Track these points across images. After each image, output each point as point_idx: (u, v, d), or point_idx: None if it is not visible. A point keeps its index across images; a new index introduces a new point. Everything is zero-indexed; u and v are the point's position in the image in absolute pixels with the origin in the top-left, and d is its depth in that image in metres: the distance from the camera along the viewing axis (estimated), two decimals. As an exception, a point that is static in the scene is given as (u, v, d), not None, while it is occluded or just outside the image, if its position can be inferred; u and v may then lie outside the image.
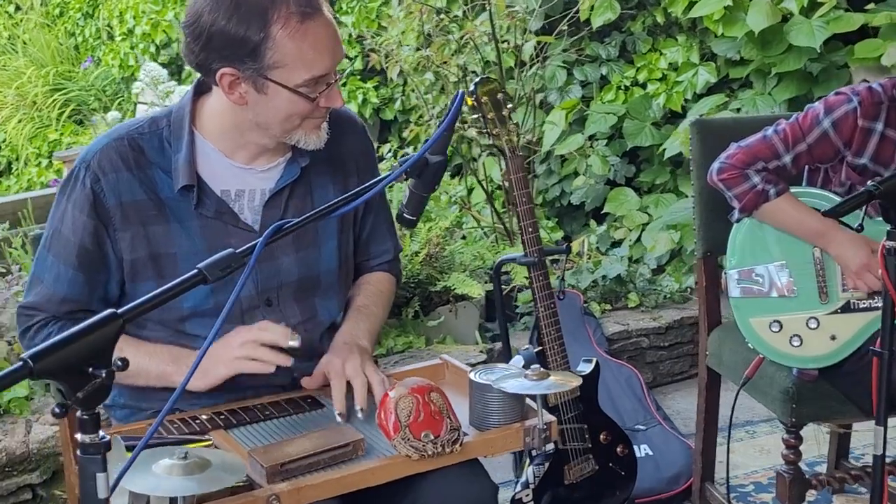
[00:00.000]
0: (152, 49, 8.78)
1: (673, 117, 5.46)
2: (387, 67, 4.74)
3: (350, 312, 2.27)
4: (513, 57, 5.03)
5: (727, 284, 2.70)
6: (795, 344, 2.61)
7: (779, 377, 2.70)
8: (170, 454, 1.58)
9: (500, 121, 2.82)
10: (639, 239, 5.07)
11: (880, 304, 2.57)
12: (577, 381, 1.99)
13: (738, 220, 2.67)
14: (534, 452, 2.78)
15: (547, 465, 2.83)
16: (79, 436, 1.31)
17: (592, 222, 5.34)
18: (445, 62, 4.70)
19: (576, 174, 5.48)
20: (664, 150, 5.07)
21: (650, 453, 3.40)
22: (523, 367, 2.74)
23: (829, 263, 2.63)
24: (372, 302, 2.29)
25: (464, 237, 4.78)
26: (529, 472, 2.78)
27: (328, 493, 1.79)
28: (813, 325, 2.61)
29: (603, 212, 5.40)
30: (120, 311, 1.32)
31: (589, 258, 4.79)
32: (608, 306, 4.40)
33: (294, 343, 1.96)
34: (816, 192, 2.67)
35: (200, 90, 2.11)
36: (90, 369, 1.27)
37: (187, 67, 8.54)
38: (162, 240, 2.06)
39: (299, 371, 2.13)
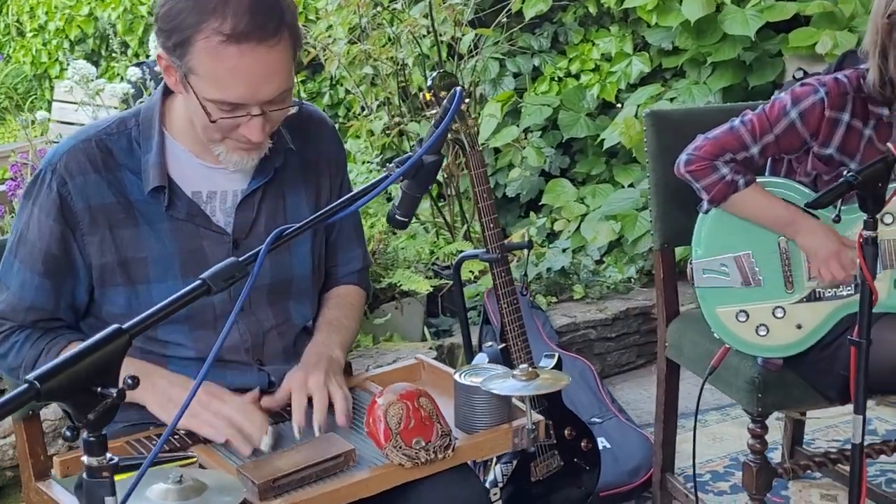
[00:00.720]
0: (66, 45, 8.54)
1: (605, 107, 5.47)
2: (324, 61, 4.65)
3: (321, 325, 2.20)
4: (444, 49, 4.98)
5: (693, 275, 2.69)
6: (762, 333, 2.62)
7: (744, 367, 2.71)
8: (163, 478, 1.51)
9: (458, 115, 2.78)
10: (577, 230, 5.07)
11: (846, 293, 2.61)
12: (567, 380, 1.96)
13: (706, 212, 2.66)
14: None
15: (514, 462, 2.80)
16: (85, 458, 1.23)
17: (532, 214, 5.32)
18: (381, 55, 4.63)
19: (511, 166, 5.46)
20: (602, 140, 5.07)
21: (608, 446, 3.39)
22: (489, 363, 2.72)
23: (794, 252, 2.63)
24: (343, 314, 2.23)
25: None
26: (497, 470, 2.75)
27: (324, 506, 1.73)
28: (779, 314, 2.61)
29: (540, 203, 5.39)
30: (125, 326, 1.25)
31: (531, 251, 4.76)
32: (553, 299, 4.38)
33: (264, 447, 1.88)
34: (781, 181, 2.68)
35: (169, 90, 2.02)
36: (98, 389, 1.20)
37: (103, 64, 8.35)
38: (131, 244, 1.98)
39: (276, 375, 2.07)
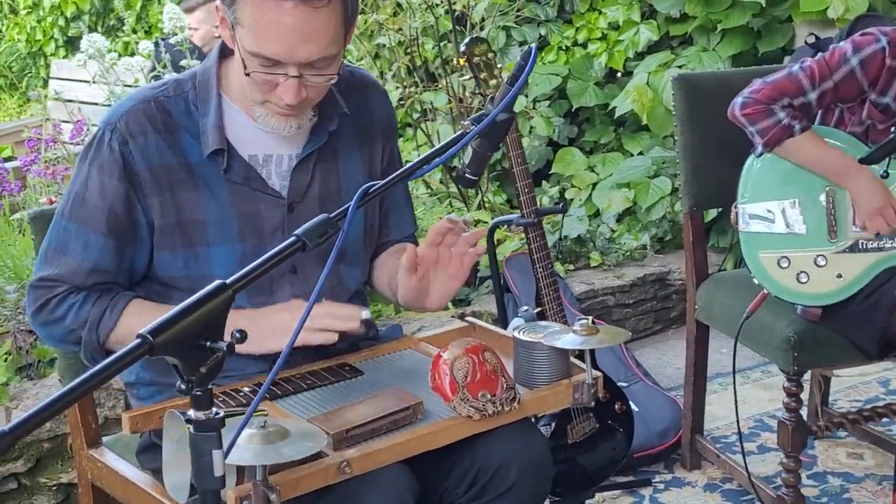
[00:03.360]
0: (62, 22, 8.48)
1: (612, 76, 5.48)
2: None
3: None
4: (448, 20, 4.98)
5: (738, 218, 2.69)
6: (803, 280, 2.63)
7: (779, 326, 2.73)
8: (247, 424, 1.52)
9: (494, 80, 2.79)
10: (589, 198, 5.09)
11: (888, 245, 2.63)
12: (626, 335, 1.98)
13: (759, 155, 2.66)
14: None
15: (553, 425, 2.82)
16: (192, 412, 1.24)
17: (544, 183, 5.33)
18: (393, 25, 4.63)
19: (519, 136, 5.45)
20: (611, 109, 5.08)
21: (636, 409, 3.41)
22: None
23: (840, 203, 2.64)
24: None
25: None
26: (536, 433, 2.77)
27: (395, 457, 1.76)
28: (821, 262, 2.63)
29: (550, 173, 5.40)
30: (228, 281, 1.26)
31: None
32: (571, 266, 4.40)
33: (365, 314, 1.90)
34: (831, 130, 2.69)
35: (225, 52, 2.02)
36: (207, 343, 1.21)
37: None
38: (191, 206, 1.98)
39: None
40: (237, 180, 2.00)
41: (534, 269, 2.86)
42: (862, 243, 2.63)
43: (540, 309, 2.88)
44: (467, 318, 2.28)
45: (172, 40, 4.21)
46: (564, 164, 5.31)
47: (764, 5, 4.72)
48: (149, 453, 2.03)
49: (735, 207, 2.70)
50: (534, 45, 1.60)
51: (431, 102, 4.84)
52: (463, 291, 4.42)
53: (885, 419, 3.01)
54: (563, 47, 5.58)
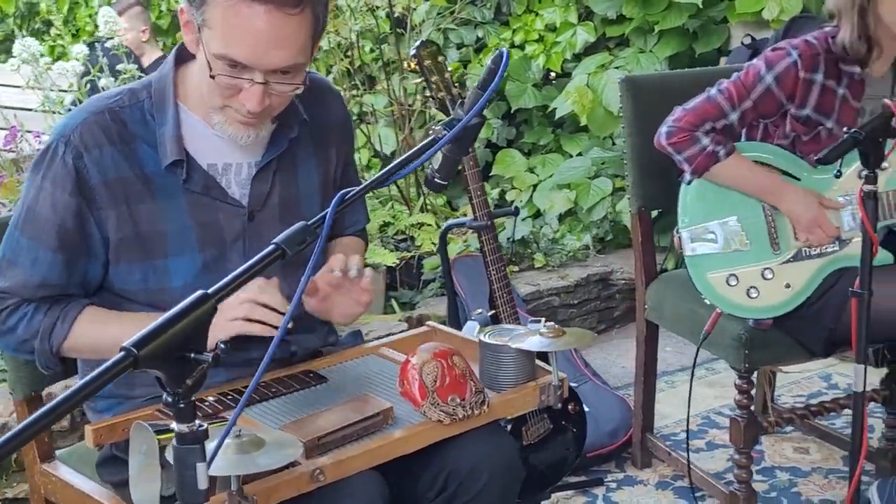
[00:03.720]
0: (-16, 26, 8.31)
1: (547, 77, 5.51)
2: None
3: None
4: (387, 22, 4.97)
5: (681, 244, 2.73)
6: (753, 295, 2.67)
7: (730, 326, 2.76)
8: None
9: (443, 84, 2.78)
10: (530, 200, 5.11)
11: (830, 250, 2.68)
12: (592, 337, 1.98)
13: (688, 183, 2.71)
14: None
15: (508, 427, 2.82)
16: (174, 425, 1.22)
17: (486, 185, 5.34)
18: (333, 28, 4.60)
19: (457, 138, 5.46)
20: (553, 109, 5.10)
21: (587, 409, 3.42)
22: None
23: (778, 214, 2.69)
24: (350, 248, 2.23)
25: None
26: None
27: (367, 464, 1.75)
28: (769, 275, 2.67)
29: (491, 175, 5.41)
30: (210, 291, 1.23)
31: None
32: (515, 268, 4.41)
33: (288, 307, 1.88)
34: (760, 144, 2.74)
35: (181, 59, 1.99)
36: (192, 355, 1.18)
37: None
38: (149, 218, 1.94)
39: (297, 344, 2.07)
40: (196, 190, 1.97)
41: (487, 271, 2.86)
42: (805, 251, 2.68)
43: (494, 311, 2.88)
44: (428, 323, 2.28)
45: (109, 44, 4.13)
46: (504, 166, 5.33)
47: (700, 6, 4.78)
48: (109, 466, 1.99)
49: (677, 233, 2.74)
50: (504, 49, 1.60)
51: (372, 105, 4.82)
52: (407, 295, 4.41)
53: (832, 413, 3.05)
54: (501, 49, 5.59)
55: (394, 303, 4.16)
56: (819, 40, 2.66)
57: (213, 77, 1.84)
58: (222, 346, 1.21)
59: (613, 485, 3.23)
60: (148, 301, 1.97)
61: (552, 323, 1.97)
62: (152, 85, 1.98)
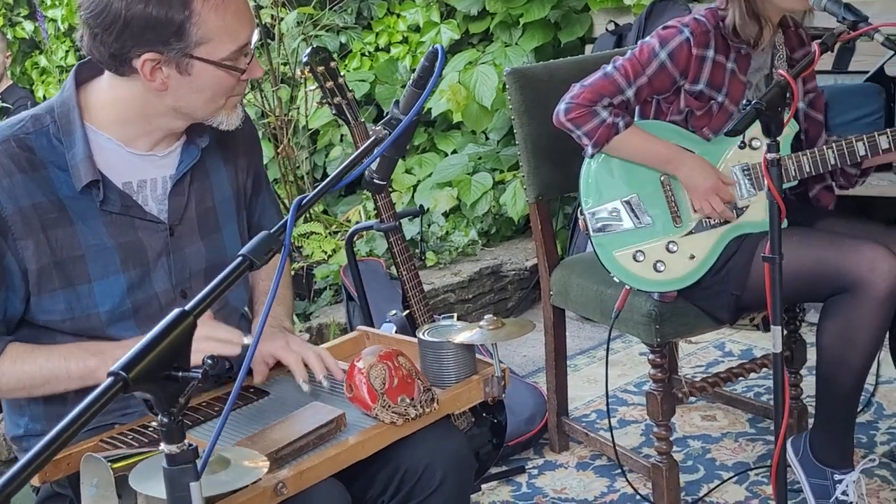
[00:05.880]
0: None
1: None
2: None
3: (260, 298, 2.19)
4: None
5: (586, 224, 2.78)
6: (660, 269, 2.74)
7: (639, 303, 2.83)
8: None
9: (338, 90, 2.78)
10: (411, 200, 5.12)
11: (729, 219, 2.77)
12: (532, 326, 2.01)
13: (591, 156, 2.76)
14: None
15: (433, 424, 2.83)
16: (164, 446, 1.19)
17: (360, 191, 5.34)
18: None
19: (331, 145, 5.45)
20: (428, 109, 5.13)
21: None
22: (396, 332, 2.74)
23: (676, 188, 2.77)
24: (279, 284, 2.21)
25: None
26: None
27: (328, 472, 1.74)
28: (673, 248, 2.75)
29: (368, 179, 5.39)
30: (188, 307, 1.21)
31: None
32: (408, 268, 4.42)
33: (247, 340, 1.86)
34: (654, 122, 2.81)
35: (81, 79, 1.94)
36: (179, 373, 1.16)
37: None
38: (67, 243, 1.88)
39: (232, 360, 2.03)
40: (114, 210, 1.92)
41: (398, 271, 2.86)
42: (705, 221, 2.76)
43: (408, 311, 2.88)
44: (360, 328, 2.27)
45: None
46: (382, 169, 5.31)
47: (561, -2, 4.88)
48: (49, 505, 1.92)
49: (581, 214, 2.79)
50: (440, 46, 1.61)
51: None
52: (300, 306, 4.37)
53: (739, 379, 3.16)
54: (366, 53, 5.60)
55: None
56: (707, 17, 2.74)
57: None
58: (209, 361, 1.19)
59: (535, 471, 3.27)
60: (74, 330, 1.91)
61: (491, 315, 1.99)
62: (55, 109, 1.92)
